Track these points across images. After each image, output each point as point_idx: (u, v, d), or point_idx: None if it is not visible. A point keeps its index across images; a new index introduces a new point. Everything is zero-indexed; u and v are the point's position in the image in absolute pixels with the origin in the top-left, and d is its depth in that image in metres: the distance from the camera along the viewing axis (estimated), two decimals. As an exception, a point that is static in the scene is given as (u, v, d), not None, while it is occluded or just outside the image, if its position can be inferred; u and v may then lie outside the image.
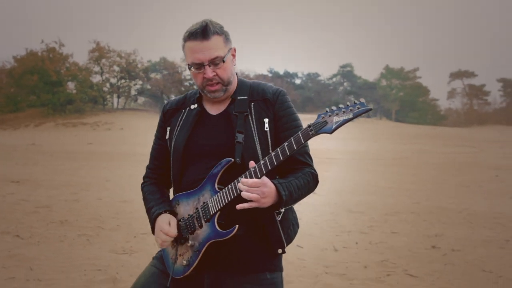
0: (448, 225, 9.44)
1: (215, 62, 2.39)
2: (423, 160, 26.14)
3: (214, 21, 2.46)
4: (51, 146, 30.11)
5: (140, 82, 69.91)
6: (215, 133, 2.50)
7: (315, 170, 2.51)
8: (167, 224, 2.46)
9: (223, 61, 2.41)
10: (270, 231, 2.44)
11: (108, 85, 67.81)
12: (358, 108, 2.10)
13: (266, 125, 2.46)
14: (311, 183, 2.48)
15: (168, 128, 2.64)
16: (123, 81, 68.65)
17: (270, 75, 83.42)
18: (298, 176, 2.42)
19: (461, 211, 11.16)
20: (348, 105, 2.14)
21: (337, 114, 2.14)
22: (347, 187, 15.04)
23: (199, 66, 2.41)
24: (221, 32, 2.44)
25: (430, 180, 17.90)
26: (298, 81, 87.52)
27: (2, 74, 63.02)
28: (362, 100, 2.13)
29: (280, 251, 2.48)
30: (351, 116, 2.11)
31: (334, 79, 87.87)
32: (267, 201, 2.27)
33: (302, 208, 9.60)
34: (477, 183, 16.99)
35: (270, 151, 2.42)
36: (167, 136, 2.63)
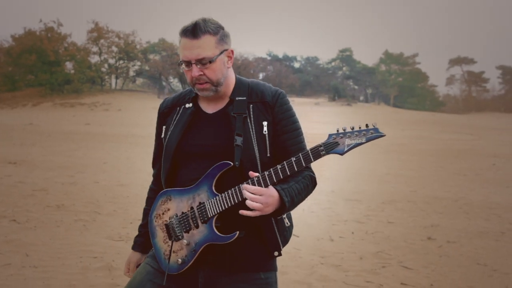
0: (444, 215, 9.47)
1: (202, 62, 2.36)
2: (420, 146, 26.18)
3: (213, 20, 2.41)
4: (49, 126, 30.07)
5: (139, 63, 69.67)
6: (212, 133, 2.47)
7: (313, 173, 2.50)
8: (127, 267, 2.79)
9: (210, 62, 2.37)
10: (267, 234, 2.43)
11: (106, 65, 67.60)
12: (372, 133, 2.12)
13: (265, 128, 2.43)
14: (310, 186, 2.46)
15: (164, 127, 2.62)
16: (121, 62, 68.44)
17: (269, 58, 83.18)
18: (298, 180, 2.40)
19: (458, 200, 11.20)
20: (360, 129, 2.15)
21: (349, 136, 2.15)
22: (345, 174, 15.06)
23: (188, 64, 2.39)
24: (214, 32, 2.38)
25: (427, 167, 17.94)
26: (297, 65, 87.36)
27: (0, 53, 62.74)
28: (376, 125, 2.15)
29: (276, 253, 2.47)
30: (363, 140, 2.14)
31: (333, 64, 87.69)
32: (270, 210, 2.26)
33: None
34: (475, 171, 17.04)
35: (268, 155, 2.41)
36: (163, 135, 2.61)
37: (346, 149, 2.14)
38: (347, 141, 2.14)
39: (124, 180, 11.69)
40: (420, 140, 29.82)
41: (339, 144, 2.15)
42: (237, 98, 2.47)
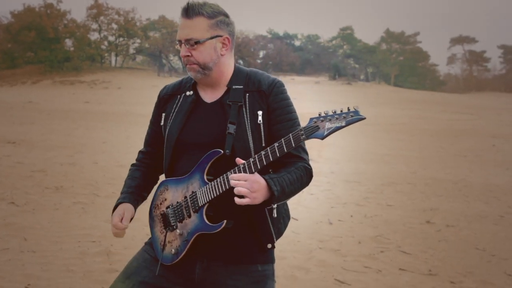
0: (443, 198, 9.47)
1: (189, 42, 2.38)
2: (421, 126, 26.13)
3: (216, 5, 2.42)
4: (48, 104, 29.99)
5: (139, 41, 69.28)
6: (209, 122, 2.46)
7: (309, 165, 2.46)
8: (119, 216, 2.50)
9: (197, 43, 2.38)
10: (260, 226, 2.41)
11: (106, 43, 67.20)
12: (352, 116, 2.07)
13: (260, 118, 2.41)
14: (304, 178, 2.42)
15: (163, 114, 2.60)
16: (121, 39, 68.07)
17: (269, 36, 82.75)
18: (290, 170, 2.37)
19: (457, 182, 11.20)
20: (341, 112, 2.10)
21: (329, 120, 2.10)
22: (345, 154, 15.03)
23: (180, 43, 2.43)
24: (210, 16, 2.39)
25: (427, 148, 17.93)
26: (297, 43, 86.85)
27: (-1, 30, 62.43)
28: (357, 108, 2.09)
29: (269, 246, 2.46)
30: (343, 124, 2.08)
31: (333, 42, 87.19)
32: (258, 196, 2.23)
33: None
34: (475, 152, 17.04)
35: (263, 144, 2.39)
36: (162, 123, 2.59)
37: (326, 133, 2.10)
38: (327, 125, 2.10)
39: (123, 160, 11.65)
40: (420, 120, 29.74)
41: (319, 128, 2.11)
42: (233, 87, 2.46)
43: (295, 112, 2.51)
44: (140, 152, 2.77)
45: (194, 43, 2.37)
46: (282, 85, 2.51)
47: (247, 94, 2.45)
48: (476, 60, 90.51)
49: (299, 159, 2.44)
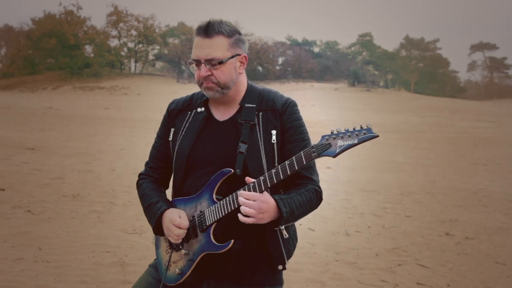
0: (462, 209, 9.33)
1: (211, 62, 2.32)
2: (440, 134, 25.89)
3: (230, 23, 2.38)
4: (68, 110, 30.21)
5: (158, 47, 69.73)
6: (221, 141, 2.41)
7: (319, 187, 2.41)
8: (178, 216, 2.37)
9: (220, 63, 2.32)
10: (271, 247, 2.38)
11: (125, 49, 67.75)
12: (364, 134, 2.04)
13: (274, 137, 2.37)
14: (314, 200, 2.38)
15: (172, 130, 2.55)
16: (140, 45, 68.58)
17: (288, 42, 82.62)
18: (301, 192, 2.33)
19: (477, 192, 11.05)
20: (354, 129, 2.07)
21: (342, 137, 2.07)
22: (362, 162, 14.93)
23: (197, 63, 2.36)
24: (228, 34, 2.35)
25: (446, 156, 17.75)
26: (316, 49, 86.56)
27: (21, 36, 63.11)
28: (369, 125, 2.06)
29: (280, 267, 2.41)
30: (356, 141, 2.05)
31: (353, 48, 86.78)
32: (265, 217, 2.20)
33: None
34: (495, 161, 16.83)
35: (276, 164, 2.34)
36: (171, 138, 2.54)
37: (338, 151, 2.06)
38: (339, 142, 2.07)
39: (141, 168, 11.44)
40: (440, 128, 29.48)
41: (331, 146, 2.08)
42: (246, 105, 2.41)
43: (307, 133, 2.47)
44: (147, 165, 2.68)
45: (218, 63, 2.32)
46: (295, 104, 2.47)
47: (260, 113, 2.41)
48: (496, 67, 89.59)
49: (310, 180, 2.39)
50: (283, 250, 2.39)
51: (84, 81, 55.52)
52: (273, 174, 2.17)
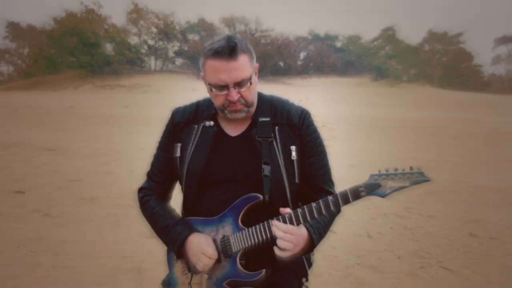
0: (487, 208, 9.11)
1: (241, 84, 2.15)
2: (465, 129, 25.49)
3: (238, 36, 2.22)
4: (89, 109, 30.33)
5: (178, 44, 69.79)
6: (237, 159, 2.27)
7: (337, 199, 2.31)
8: (207, 245, 2.23)
9: (250, 83, 2.17)
10: (296, 266, 2.31)
11: (145, 46, 67.96)
12: (417, 177, 2.01)
13: (294, 154, 2.25)
14: (335, 215, 2.31)
15: (179, 145, 2.40)
16: (160, 42, 68.70)
17: (310, 37, 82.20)
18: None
19: (502, 190, 10.80)
20: (404, 172, 2.03)
21: (392, 178, 2.03)
22: (385, 159, 14.70)
23: (223, 87, 2.16)
24: (247, 49, 2.19)
25: (471, 152, 17.43)
26: (338, 44, 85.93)
27: (43, 36, 63.65)
28: (421, 168, 2.03)
29: (304, 280, 2.38)
30: (407, 184, 2.04)
31: (375, 43, 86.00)
32: (299, 250, 2.14)
33: (340, 185, 9.39)
34: (521, 157, 16.49)
35: (296, 181, 2.25)
36: (178, 154, 2.39)
37: (388, 192, 2.02)
38: (390, 183, 2.03)
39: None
40: (464, 123, 29.03)
41: (381, 186, 2.03)
42: (260, 120, 2.27)
43: (324, 145, 2.38)
44: (151, 179, 2.53)
45: (249, 84, 2.17)
46: (310, 115, 2.36)
47: (276, 127, 2.27)
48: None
49: (330, 194, 2.28)
50: (306, 264, 2.36)
51: (105, 80, 55.77)
52: (314, 208, 2.09)
